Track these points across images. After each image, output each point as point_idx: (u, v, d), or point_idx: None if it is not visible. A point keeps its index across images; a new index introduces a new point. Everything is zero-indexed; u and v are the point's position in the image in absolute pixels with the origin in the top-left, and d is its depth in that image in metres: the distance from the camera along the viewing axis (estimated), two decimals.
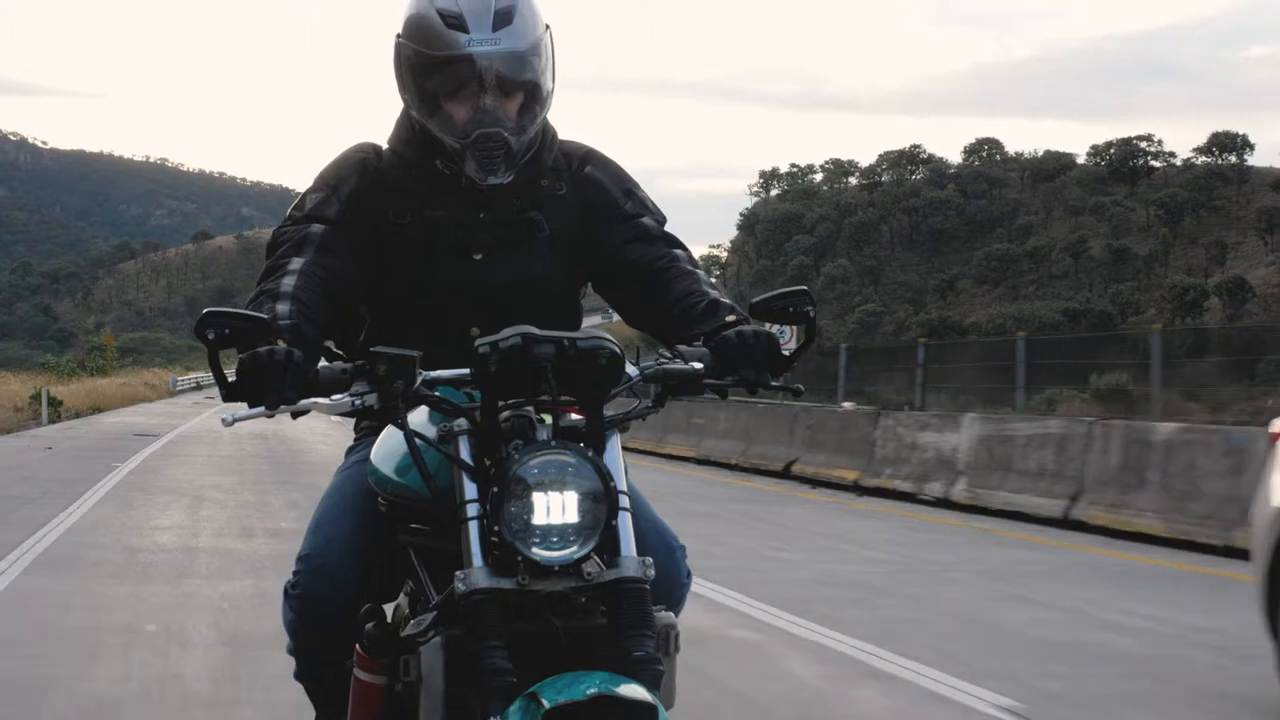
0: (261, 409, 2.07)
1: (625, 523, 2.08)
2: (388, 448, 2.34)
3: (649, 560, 2.08)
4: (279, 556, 7.95)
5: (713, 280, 2.53)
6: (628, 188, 2.65)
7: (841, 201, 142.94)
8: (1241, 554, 7.93)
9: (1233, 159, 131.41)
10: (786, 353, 2.32)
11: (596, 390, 2.09)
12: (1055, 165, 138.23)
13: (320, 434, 24.43)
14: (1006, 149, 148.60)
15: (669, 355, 2.29)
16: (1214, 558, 9.15)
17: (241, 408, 2.09)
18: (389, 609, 2.47)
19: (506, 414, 2.08)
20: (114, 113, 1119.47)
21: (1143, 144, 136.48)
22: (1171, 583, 8.28)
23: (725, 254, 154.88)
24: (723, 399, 2.38)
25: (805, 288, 2.37)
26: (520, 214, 2.54)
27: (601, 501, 2.02)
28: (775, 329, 2.46)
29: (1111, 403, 18.77)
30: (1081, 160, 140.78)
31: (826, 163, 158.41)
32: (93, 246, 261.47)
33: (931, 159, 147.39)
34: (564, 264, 2.60)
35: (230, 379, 2.08)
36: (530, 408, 2.09)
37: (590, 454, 2.04)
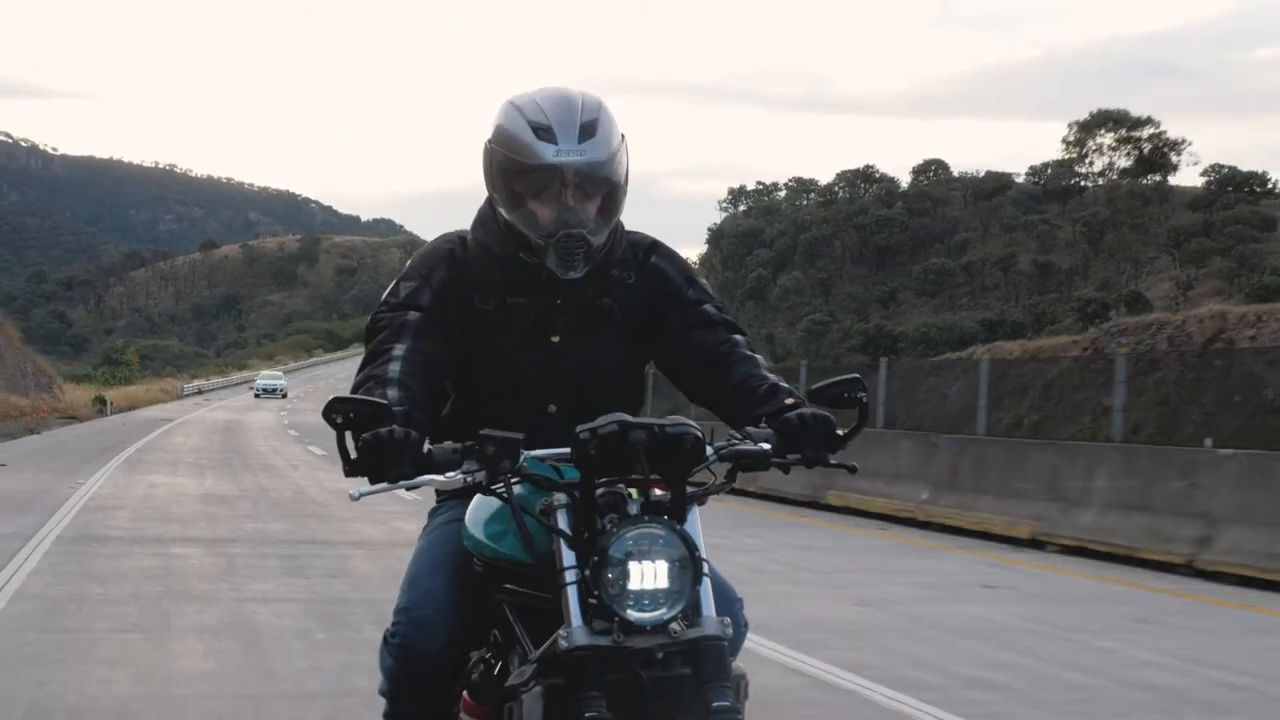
0: (384, 484, 2.26)
1: (706, 587, 2.28)
2: (481, 514, 2.52)
3: (727, 620, 2.28)
4: (217, 447, 27.26)
5: (770, 365, 2.71)
6: (689, 276, 2.85)
7: (799, 218, 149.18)
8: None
9: (1157, 178, 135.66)
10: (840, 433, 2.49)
11: (681, 469, 2.29)
12: (995, 185, 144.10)
13: (257, 425, 42.49)
14: (952, 170, 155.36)
15: (739, 437, 2.47)
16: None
17: (364, 483, 2.27)
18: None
19: (601, 490, 2.28)
20: (119, 117, 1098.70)
21: (1075, 165, 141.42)
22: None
23: (695, 265, 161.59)
24: (785, 474, 2.57)
25: (858, 375, 2.53)
26: (593, 301, 2.73)
27: (688, 568, 2.23)
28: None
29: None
30: (1020, 180, 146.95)
31: (789, 180, 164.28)
32: (103, 252, 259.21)
33: (883, 178, 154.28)
34: (632, 347, 2.80)
35: (352, 455, 2.25)
36: (621, 484, 2.29)
37: (677, 527, 2.25)
